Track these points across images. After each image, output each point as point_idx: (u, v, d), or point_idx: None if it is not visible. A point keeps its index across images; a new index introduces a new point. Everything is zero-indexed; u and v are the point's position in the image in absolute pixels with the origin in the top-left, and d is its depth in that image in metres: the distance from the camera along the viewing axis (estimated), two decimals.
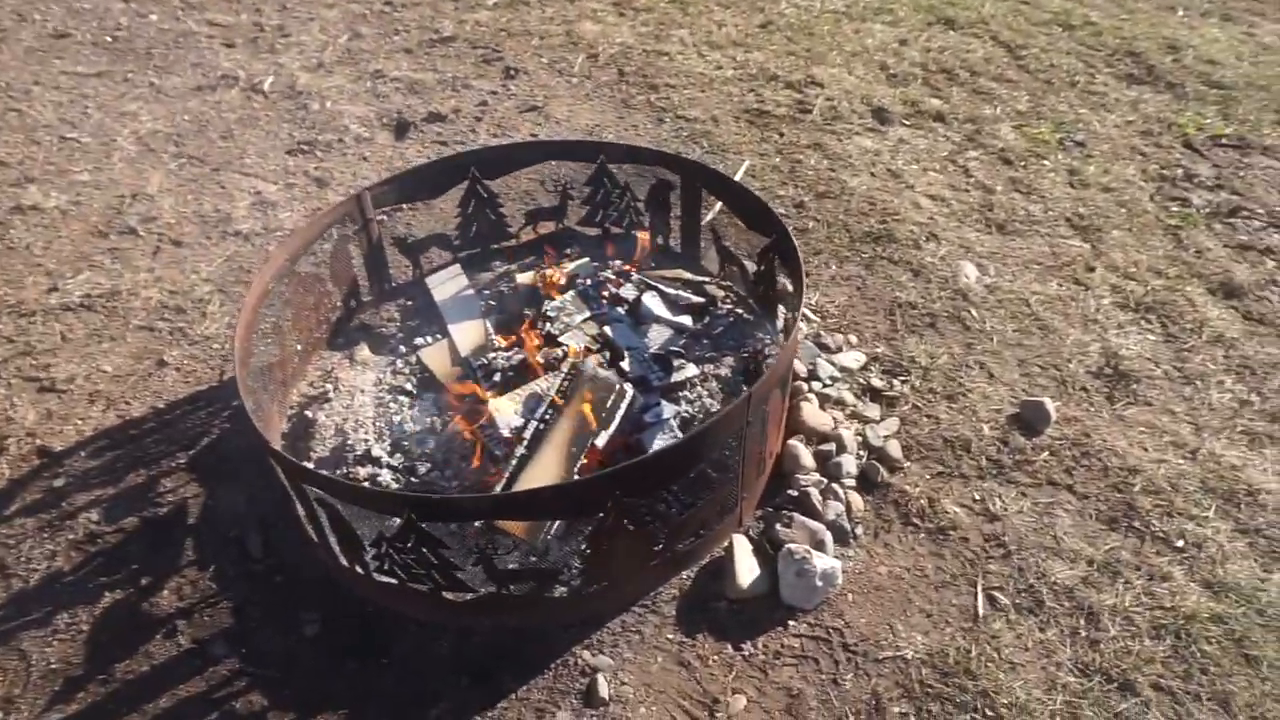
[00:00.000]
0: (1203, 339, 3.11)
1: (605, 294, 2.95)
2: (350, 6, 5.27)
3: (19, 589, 2.41)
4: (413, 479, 2.49)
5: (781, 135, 4.14)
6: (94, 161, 4.02)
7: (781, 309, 2.82)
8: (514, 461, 2.38)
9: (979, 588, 2.35)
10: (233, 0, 5.38)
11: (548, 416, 2.45)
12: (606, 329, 2.79)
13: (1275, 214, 3.80)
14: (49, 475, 2.70)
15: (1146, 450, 2.70)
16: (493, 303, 3.04)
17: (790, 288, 2.78)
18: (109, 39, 4.94)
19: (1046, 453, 2.69)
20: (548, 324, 2.78)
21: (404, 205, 3.44)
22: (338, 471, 2.51)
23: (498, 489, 2.33)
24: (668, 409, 2.56)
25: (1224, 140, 4.28)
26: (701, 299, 2.99)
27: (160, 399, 2.94)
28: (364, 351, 2.93)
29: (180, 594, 2.39)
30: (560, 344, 2.71)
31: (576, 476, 2.33)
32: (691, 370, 2.70)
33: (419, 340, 2.96)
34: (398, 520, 1.98)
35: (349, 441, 2.58)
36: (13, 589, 2.40)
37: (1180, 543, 2.44)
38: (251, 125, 4.27)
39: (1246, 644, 2.21)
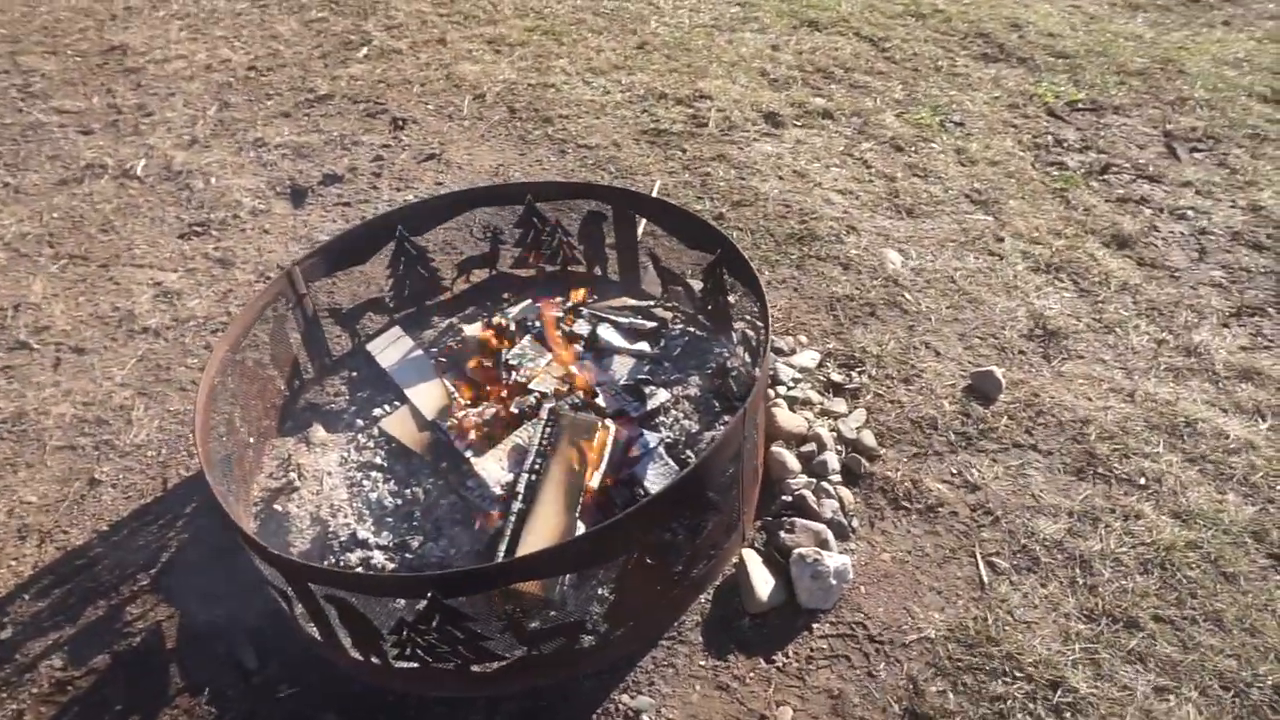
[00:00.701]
0: (1111, 289, 3.35)
1: (560, 333, 2.93)
2: (212, 76, 5.03)
3: None
4: (406, 555, 2.39)
5: (684, 151, 4.21)
6: None
7: (738, 323, 2.86)
8: (512, 517, 2.32)
9: (978, 557, 2.46)
10: (78, 84, 5.05)
11: (537, 466, 2.41)
12: (572, 368, 2.77)
13: (1139, 165, 4.14)
14: None
15: (1091, 400, 2.89)
16: (443, 360, 2.97)
17: (737, 297, 2.84)
18: None
19: (1005, 418, 2.84)
20: (512, 373, 2.73)
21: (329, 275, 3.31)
22: (326, 562, 2.39)
23: (501, 549, 2.27)
24: (652, 438, 2.56)
25: (1080, 105, 4.64)
26: (653, 323, 3.01)
27: (101, 521, 2.73)
28: (319, 432, 2.80)
29: None
30: (531, 391, 2.66)
31: (580, 523, 2.30)
32: (663, 395, 2.71)
33: (376, 411, 2.85)
34: (407, 602, 1.90)
35: (330, 529, 2.46)
36: None
37: (1142, 480, 2.62)
38: (132, 214, 4.02)
39: (1222, 563, 2.39)
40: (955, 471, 2.69)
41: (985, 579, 2.40)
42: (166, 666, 2.34)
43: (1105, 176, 4.06)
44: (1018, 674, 2.17)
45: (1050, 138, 4.33)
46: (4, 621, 2.48)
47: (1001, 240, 3.61)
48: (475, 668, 2.11)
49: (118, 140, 4.53)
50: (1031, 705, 2.11)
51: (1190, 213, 3.74)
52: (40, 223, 3.99)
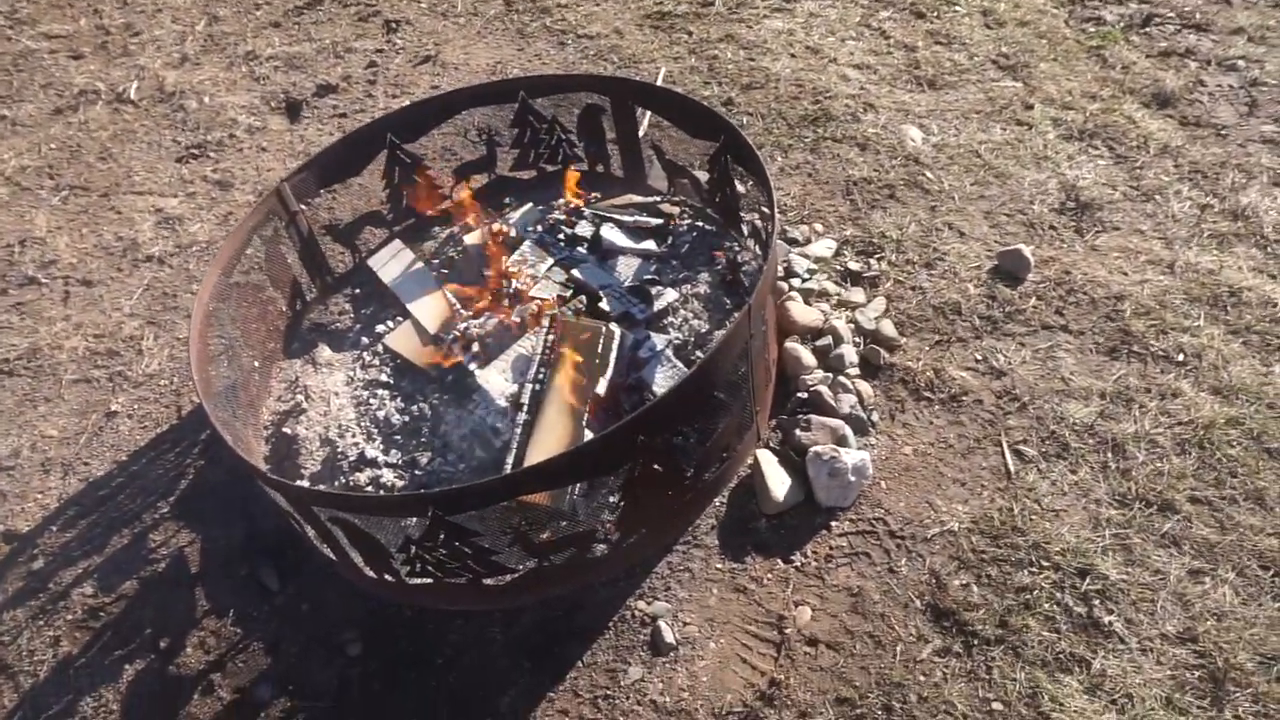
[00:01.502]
0: (1150, 153, 3.12)
1: (561, 236, 2.82)
2: None
3: (30, 686, 2.25)
4: (416, 471, 2.37)
5: (690, 34, 3.97)
6: None
7: (746, 213, 2.72)
8: (519, 429, 2.27)
9: (1004, 445, 2.36)
10: (65, 6, 4.89)
11: (541, 376, 2.34)
12: (575, 272, 2.67)
13: (1185, 14, 3.80)
14: (24, 559, 2.51)
15: (1126, 274, 2.72)
16: (445, 271, 2.88)
17: (747, 188, 2.69)
18: None
19: (1034, 299, 2.68)
20: (513, 280, 2.64)
21: (323, 190, 3.21)
22: (336, 483, 2.38)
23: (509, 461, 2.23)
24: (659, 340, 2.47)
25: None
26: (658, 220, 2.87)
27: (120, 452, 2.74)
28: (325, 353, 2.76)
29: (206, 647, 2.26)
30: (533, 298, 2.57)
31: (588, 431, 2.25)
32: (671, 295, 2.60)
33: (380, 328, 2.79)
34: (416, 520, 1.88)
35: (339, 449, 2.44)
36: (24, 687, 2.24)
37: (1180, 357, 2.48)
38: (129, 139, 3.92)
39: (1265, 439, 2.27)
40: (980, 358, 2.57)
41: (1011, 468, 2.31)
42: (192, 590, 2.37)
43: (1147, 29, 3.74)
44: (1044, 563, 2.11)
45: None
46: (35, 552, 2.53)
47: (1031, 108, 3.37)
48: (488, 581, 2.10)
49: (108, 63, 4.40)
50: (1059, 594, 2.04)
51: (1241, 63, 3.44)
52: (39, 154, 3.92)
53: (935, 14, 3.92)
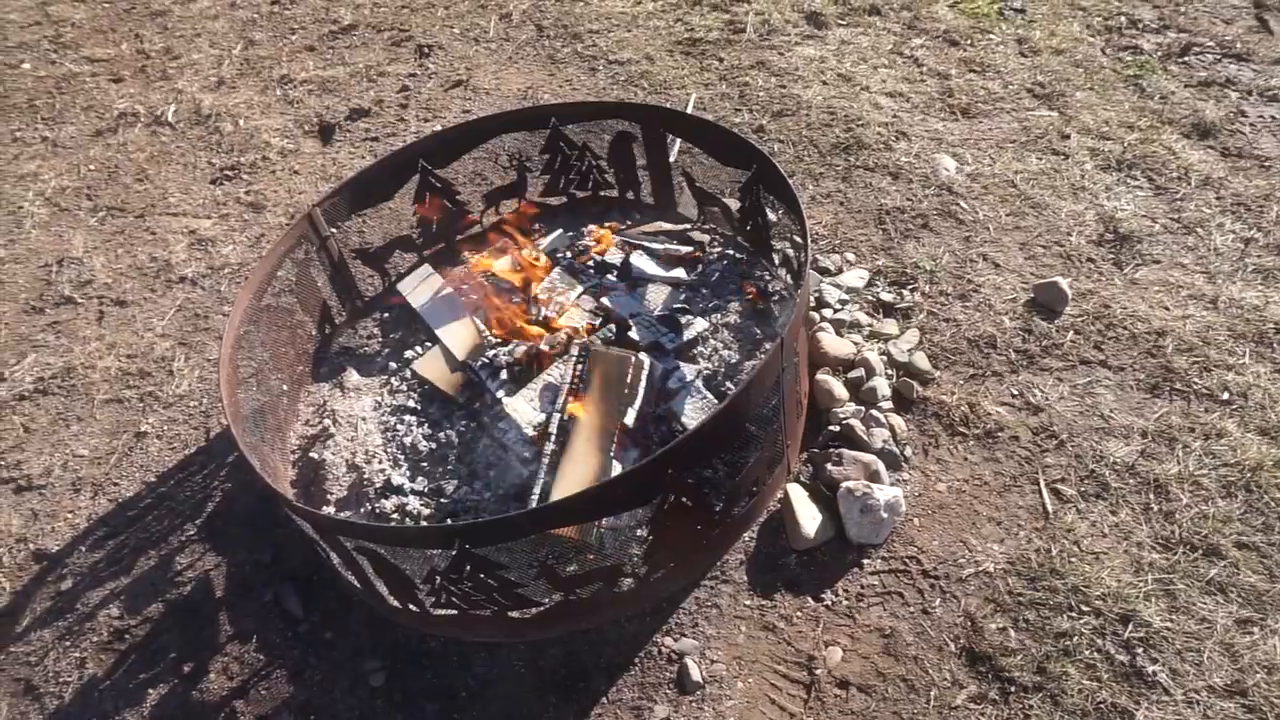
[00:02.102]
0: (1191, 185, 3.06)
1: (590, 263, 2.81)
2: (236, 14, 4.91)
3: (55, 708, 2.24)
4: (442, 499, 2.35)
5: (721, 60, 3.97)
6: (5, 234, 3.72)
7: (777, 241, 2.69)
8: (546, 459, 2.25)
9: (1042, 484, 2.30)
10: (106, 30, 4.99)
11: (569, 405, 2.32)
12: (604, 300, 2.65)
13: (1225, 43, 3.75)
14: (53, 579, 2.52)
15: (1168, 309, 2.66)
16: (474, 297, 2.88)
17: (778, 216, 2.66)
18: None
19: (1072, 332, 2.63)
20: (542, 308, 2.63)
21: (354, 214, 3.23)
22: (362, 509, 2.37)
23: (535, 491, 2.21)
24: (688, 370, 2.44)
25: None
26: (688, 248, 2.86)
27: (149, 472, 2.75)
28: (353, 377, 2.76)
29: (229, 673, 2.24)
30: (562, 326, 2.56)
31: (615, 462, 2.22)
32: (701, 325, 2.58)
33: (408, 353, 2.79)
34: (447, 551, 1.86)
35: (365, 475, 2.43)
36: (49, 709, 2.24)
37: (1225, 395, 2.41)
38: (165, 161, 3.98)
39: None
40: (1016, 393, 2.51)
41: (1049, 507, 2.25)
42: (216, 615, 2.37)
43: (1186, 58, 3.69)
44: (1085, 608, 2.04)
45: (1124, 19, 3.95)
46: (64, 572, 2.54)
47: (1067, 137, 3.32)
48: (513, 613, 2.07)
49: (147, 86, 4.47)
50: (1100, 641, 1.98)
51: None
52: (78, 175, 3.98)
53: (969, 42, 3.89)
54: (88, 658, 2.33)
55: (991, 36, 3.91)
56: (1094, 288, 2.75)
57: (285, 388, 2.67)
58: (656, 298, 2.70)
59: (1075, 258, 2.86)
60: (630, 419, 2.31)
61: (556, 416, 2.31)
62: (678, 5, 4.38)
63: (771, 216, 2.68)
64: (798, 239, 2.45)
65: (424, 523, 2.28)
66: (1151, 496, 2.23)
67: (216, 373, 2.99)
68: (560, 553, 2.03)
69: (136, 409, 2.94)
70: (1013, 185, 3.14)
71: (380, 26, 4.59)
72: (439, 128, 3.85)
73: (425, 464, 2.44)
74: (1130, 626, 1.99)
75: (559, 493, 2.16)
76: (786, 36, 4.05)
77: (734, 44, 4.05)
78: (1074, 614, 2.04)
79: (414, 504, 2.34)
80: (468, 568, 1.90)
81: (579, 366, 2.38)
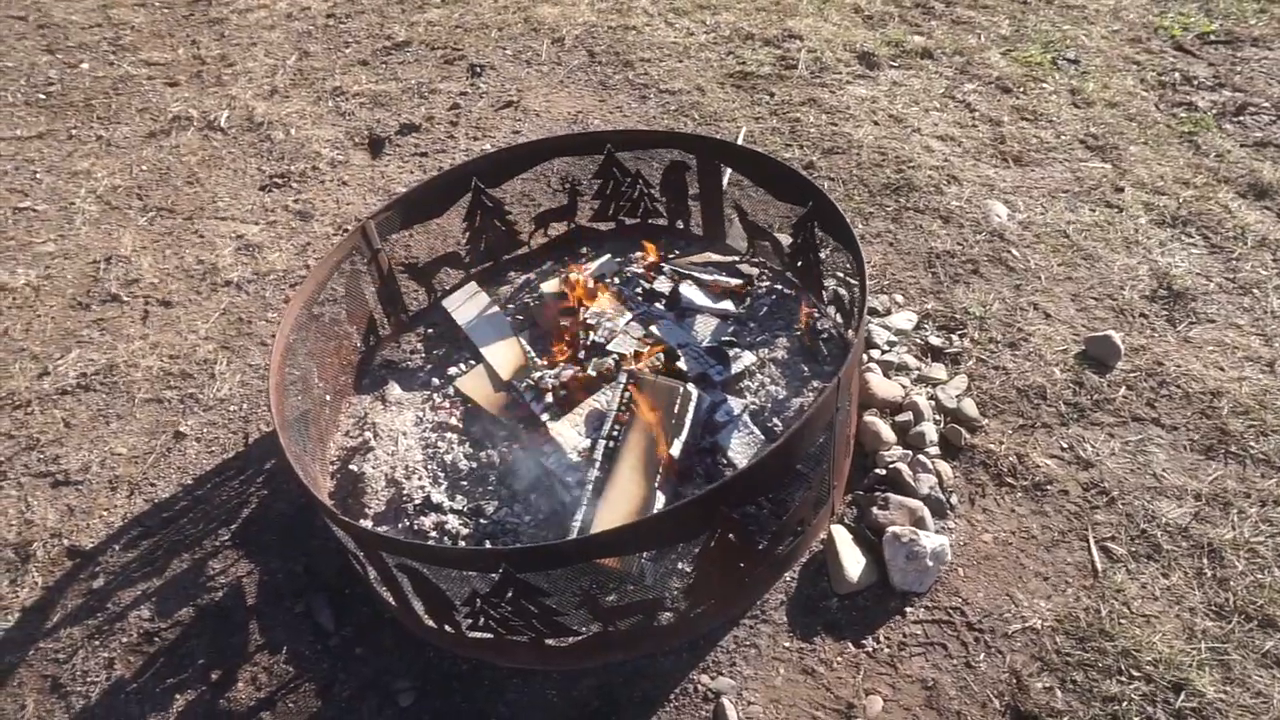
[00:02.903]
0: (1248, 245, 3.03)
1: (640, 291, 2.80)
2: (292, 25, 4.99)
3: (81, 707, 2.22)
4: (481, 520, 2.33)
5: (772, 95, 3.98)
6: (56, 229, 3.76)
7: (829, 281, 2.68)
8: (589, 486, 2.23)
9: (1091, 541, 2.26)
10: (165, 35, 5.08)
11: (616, 433, 2.31)
12: (653, 328, 2.64)
13: None
14: (86, 576, 2.51)
15: (1223, 370, 2.62)
16: (520, 317, 2.88)
17: (828, 253, 2.65)
18: (42, 96, 4.63)
19: (1124, 388, 2.59)
20: (591, 333, 2.62)
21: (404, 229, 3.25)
22: (399, 525, 2.35)
23: (577, 518, 2.19)
24: (736, 404, 2.42)
25: (1212, 37, 4.20)
26: (737, 281, 2.85)
27: (186, 475, 2.75)
28: (395, 390, 2.76)
29: (256, 683, 2.22)
30: (610, 352, 2.55)
31: (659, 493, 2.20)
32: (749, 359, 2.56)
33: (451, 370, 2.79)
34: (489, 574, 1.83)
35: (404, 491, 2.41)
36: (75, 708, 2.22)
37: None
38: (216, 165, 4.02)
39: None
40: (1066, 446, 2.47)
41: (1099, 565, 2.21)
42: (247, 623, 2.35)
43: (1241, 118, 3.67)
44: (1135, 673, 1.99)
45: (1178, 75, 3.93)
46: (97, 570, 2.53)
47: (1121, 190, 3.30)
48: (550, 641, 2.04)
49: (202, 92, 4.53)
50: (1150, 709, 1.93)
51: None
52: (130, 175, 4.03)
53: (1022, 90, 3.89)
54: (116, 658, 2.32)
55: (1044, 86, 3.90)
56: (1147, 343, 2.72)
57: (328, 398, 2.67)
58: (704, 329, 2.69)
59: (1128, 312, 2.83)
60: (676, 450, 2.29)
61: (602, 443, 2.29)
62: (730, 38, 4.41)
63: (822, 254, 2.67)
64: (852, 280, 2.43)
65: (462, 543, 2.26)
66: (1205, 561, 2.18)
67: (258, 378, 3.01)
68: (602, 582, 2.01)
69: (176, 410, 2.95)
70: (1065, 235, 3.12)
71: (434, 44, 4.64)
72: (488, 147, 3.88)
73: (465, 483, 2.43)
74: (1182, 696, 1.94)
75: (602, 521, 2.14)
76: (838, 75, 4.06)
77: (786, 80, 4.06)
78: (1124, 678, 1.99)
79: (453, 523, 2.32)
80: (510, 592, 1.87)
81: (626, 394, 2.36)
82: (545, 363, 2.63)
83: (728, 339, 2.62)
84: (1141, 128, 3.62)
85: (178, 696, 2.22)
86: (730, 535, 1.92)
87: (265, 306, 3.29)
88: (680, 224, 3.11)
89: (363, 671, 2.21)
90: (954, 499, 2.37)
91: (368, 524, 2.36)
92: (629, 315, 2.69)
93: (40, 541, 2.60)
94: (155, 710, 2.20)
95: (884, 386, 2.56)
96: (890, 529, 2.21)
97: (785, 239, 2.82)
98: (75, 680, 2.28)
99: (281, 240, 3.58)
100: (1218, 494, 2.30)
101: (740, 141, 3.66)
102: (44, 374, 3.11)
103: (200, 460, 2.79)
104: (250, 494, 2.67)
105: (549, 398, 2.50)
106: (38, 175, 4.07)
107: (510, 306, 2.94)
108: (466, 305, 2.96)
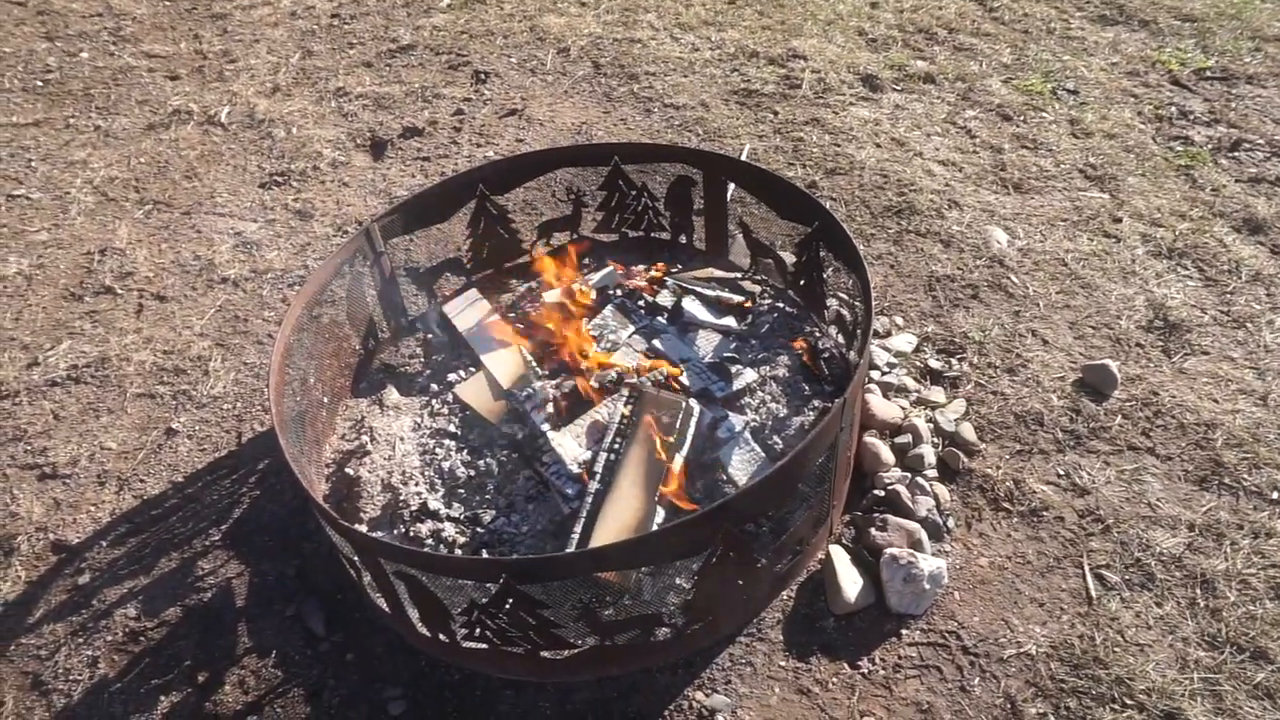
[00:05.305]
0: (1242, 279, 3.07)
1: (642, 304, 2.80)
2: (296, 23, 4.98)
3: (63, 706, 2.18)
4: (478, 529, 2.32)
5: (776, 114, 4.00)
6: (50, 218, 3.72)
7: (831, 300, 2.69)
8: (589, 498, 2.22)
9: (1086, 568, 2.27)
10: (167, 28, 5.05)
11: (617, 445, 2.30)
12: (655, 342, 2.64)
13: (1276, 143, 3.79)
14: (70, 572, 2.47)
15: (1217, 402, 2.65)
16: (520, 326, 2.86)
17: (829, 273, 2.66)
18: (40, 83, 4.59)
19: (1120, 417, 2.61)
20: (592, 345, 2.61)
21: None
22: (395, 531, 2.33)
23: (576, 529, 2.18)
24: (737, 421, 2.42)
25: (1208, 73, 4.27)
26: (740, 297, 2.85)
27: (177, 472, 2.72)
28: (393, 395, 2.74)
29: (244, 687, 2.19)
30: (611, 364, 2.54)
31: (659, 508, 2.19)
32: (750, 376, 2.56)
33: (450, 376, 2.77)
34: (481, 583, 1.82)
35: (401, 497, 2.39)
36: (56, 707, 2.18)
37: (1275, 495, 2.39)
38: (215, 161, 4.00)
39: None
40: (1062, 473, 2.49)
41: (1093, 593, 2.22)
42: (235, 625, 2.32)
43: (1236, 153, 3.72)
44: (1128, 701, 2.00)
45: (1174, 109, 3.99)
46: (82, 566, 2.49)
47: (1119, 221, 3.34)
48: (545, 653, 2.03)
49: (203, 86, 4.51)
50: None
51: None
52: (128, 167, 4.00)
53: (1022, 118, 3.93)
54: (100, 657, 2.28)
55: (1044, 115, 3.95)
56: (1142, 373, 2.74)
57: (325, 400, 2.65)
58: (706, 344, 2.69)
59: (1124, 341, 2.86)
60: (677, 465, 2.28)
61: (603, 455, 2.28)
62: (735, 56, 4.43)
63: (825, 274, 2.68)
64: (855, 300, 2.44)
65: (458, 551, 2.24)
66: (1198, 591, 2.19)
67: (253, 377, 2.98)
68: (601, 596, 2.00)
69: (169, 406, 2.92)
70: (1064, 264, 3.15)
71: (439, 49, 4.64)
72: (491, 154, 3.88)
73: (462, 490, 2.41)
74: None
75: (601, 534, 2.13)
76: (841, 96, 4.09)
77: (789, 99, 4.09)
78: (1116, 706, 2.00)
79: (449, 531, 2.30)
80: (509, 603, 1.86)
81: (628, 407, 2.36)
82: (546, 372, 2.62)
83: (730, 355, 2.63)
84: (1139, 159, 3.67)
85: (163, 698, 2.19)
86: (731, 552, 1.92)
87: (262, 305, 3.26)
88: (683, 238, 3.11)
89: (353, 678, 2.19)
90: (950, 522, 2.38)
91: (363, 529, 2.34)
92: (631, 328, 2.69)
93: (25, 535, 2.55)
94: (139, 711, 2.16)
95: (884, 408, 2.57)
96: (888, 551, 2.22)
97: (788, 257, 2.83)
98: (57, 678, 2.24)
99: (280, 239, 3.55)
100: (1211, 525, 2.33)
101: (744, 158, 3.67)
102: (33, 364, 3.06)
103: (192, 458, 2.75)
104: (242, 494, 2.64)
105: (549, 408, 2.49)
106: (33, 163, 4.03)
107: (511, 315, 2.93)
108: (466, 311, 2.94)
